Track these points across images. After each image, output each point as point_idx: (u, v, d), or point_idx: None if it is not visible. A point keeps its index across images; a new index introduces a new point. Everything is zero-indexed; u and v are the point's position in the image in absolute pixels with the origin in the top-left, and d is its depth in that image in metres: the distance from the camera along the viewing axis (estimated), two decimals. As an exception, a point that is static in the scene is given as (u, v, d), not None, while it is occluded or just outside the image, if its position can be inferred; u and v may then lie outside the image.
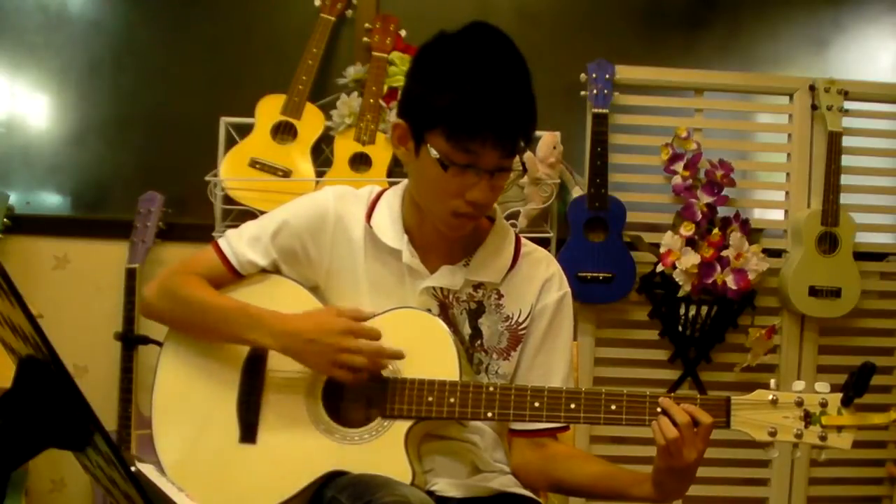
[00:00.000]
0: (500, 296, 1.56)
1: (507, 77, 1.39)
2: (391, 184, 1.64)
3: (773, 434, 1.39)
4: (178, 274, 1.58)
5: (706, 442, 1.37)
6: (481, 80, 1.37)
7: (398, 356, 1.46)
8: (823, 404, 1.38)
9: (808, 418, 1.38)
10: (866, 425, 1.39)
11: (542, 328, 1.57)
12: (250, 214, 2.46)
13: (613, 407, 1.42)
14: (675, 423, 1.37)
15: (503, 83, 1.38)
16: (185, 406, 1.55)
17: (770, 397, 1.40)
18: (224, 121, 2.72)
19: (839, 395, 1.38)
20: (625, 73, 2.76)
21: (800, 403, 1.39)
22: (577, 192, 2.71)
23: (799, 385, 1.41)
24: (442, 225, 1.48)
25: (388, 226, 1.54)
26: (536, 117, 1.44)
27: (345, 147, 2.70)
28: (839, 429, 1.38)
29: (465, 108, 1.37)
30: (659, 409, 1.40)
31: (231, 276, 1.57)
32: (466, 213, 1.45)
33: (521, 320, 1.56)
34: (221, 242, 1.58)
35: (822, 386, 1.40)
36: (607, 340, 2.81)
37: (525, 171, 1.53)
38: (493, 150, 1.39)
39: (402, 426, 1.44)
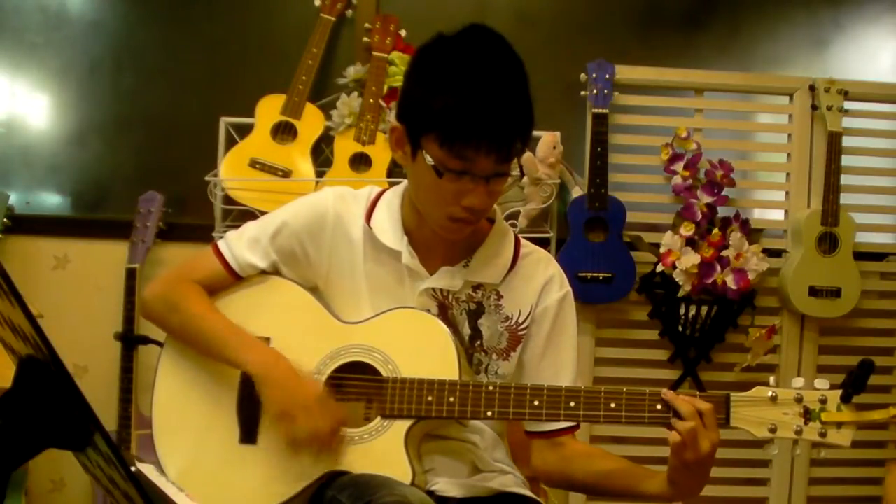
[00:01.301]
0: (500, 296, 1.55)
1: (502, 82, 1.37)
2: (391, 184, 1.64)
3: (772, 431, 1.39)
4: (179, 282, 1.58)
5: (716, 431, 1.37)
6: (476, 85, 1.35)
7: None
8: (823, 401, 1.38)
9: (808, 415, 1.38)
10: (866, 422, 1.38)
11: (545, 330, 1.57)
12: (250, 214, 2.46)
13: (613, 405, 1.42)
14: (681, 417, 1.37)
15: (498, 88, 1.36)
16: (186, 407, 1.55)
17: (769, 394, 1.39)
18: (224, 121, 2.72)
19: (839, 392, 1.38)
20: (625, 73, 2.76)
21: (799, 400, 1.39)
22: (577, 192, 2.71)
23: (798, 382, 1.40)
24: (439, 229, 1.48)
25: (388, 227, 1.53)
26: (533, 121, 1.42)
27: (345, 147, 2.70)
28: (839, 425, 1.38)
29: (459, 113, 1.35)
30: (658, 406, 1.40)
31: (231, 278, 1.57)
32: (463, 219, 1.45)
33: (520, 321, 1.56)
34: (221, 245, 1.58)
35: (821, 383, 1.40)
36: (607, 340, 2.81)
37: (522, 174, 1.52)
38: (487, 156, 1.37)
39: (402, 426, 1.44)
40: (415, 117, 1.42)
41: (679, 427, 1.36)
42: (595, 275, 2.66)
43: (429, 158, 1.39)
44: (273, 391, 1.44)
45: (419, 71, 1.45)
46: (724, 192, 2.73)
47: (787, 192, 2.86)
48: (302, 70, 2.69)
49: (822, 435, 1.38)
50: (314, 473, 1.44)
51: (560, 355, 1.58)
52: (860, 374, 1.35)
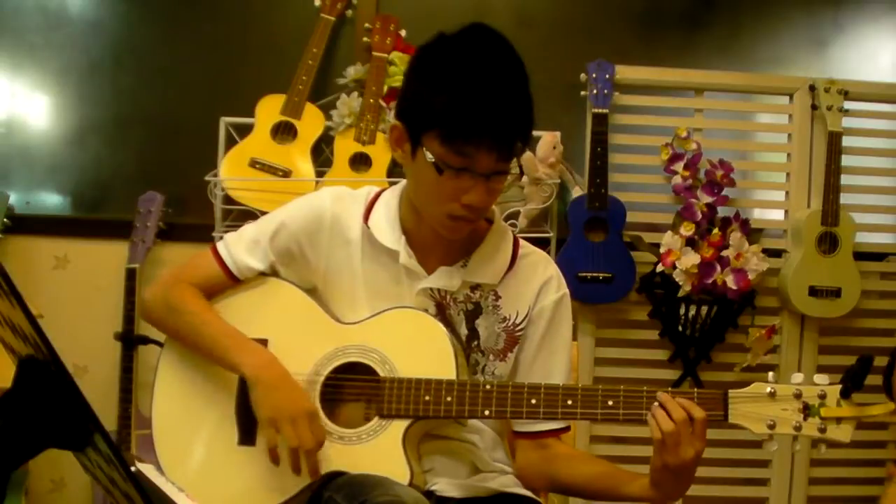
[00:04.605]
0: (498, 297, 1.55)
1: (503, 80, 1.38)
2: (391, 184, 1.64)
3: (771, 427, 1.38)
4: (178, 283, 1.58)
5: (703, 440, 1.36)
6: (477, 83, 1.36)
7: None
8: (822, 396, 1.37)
9: (807, 410, 1.37)
10: (866, 416, 1.38)
11: (540, 330, 1.57)
12: (250, 214, 2.47)
13: (610, 403, 1.42)
14: (671, 418, 1.36)
15: (499, 86, 1.37)
16: (185, 408, 1.55)
17: (768, 390, 1.38)
18: (224, 121, 2.72)
19: (838, 387, 1.37)
20: (625, 73, 2.76)
21: (798, 396, 1.38)
22: (577, 192, 2.71)
23: (797, 377, 1.39)
24: (439, 227, 1.48)
25: (386, 226, 1.53)
26: (533, 120, 1.43)
27: (345, 147, 2.70)
28: (838, 420, 1.37)
29: (461, 110, 1.36)
30: (656, 404, 1.40)
31: (229, 281, 1.58)
32: (463, 217, 1.45)
33: (518, 322, 1.56)
34: (220, 247, 1.59)
35: (820, 378, 1.39)
36: (607, 340, 2.81)
37: (522, 174, 1.51)
38: (488, 154, 1.38)
39: (400, 426, 1.44)
40: (415, 115, 1.42)
41: (662, 425, 1.35)
42: (595, 275, 2.66)
43: (429, 156, 1.40)
44: (263, 395, 1.45)
45: (420, 69, 1.45)
46: (724, 192, 2.73)
47: (787, 192, 2.86)
48: (302, 70, 2.69)
49: (822, 430, 1.37)
50: (307, 477, 1.45)
51: (552, 357, 1.58)
52: (859, 369, 1.34)
